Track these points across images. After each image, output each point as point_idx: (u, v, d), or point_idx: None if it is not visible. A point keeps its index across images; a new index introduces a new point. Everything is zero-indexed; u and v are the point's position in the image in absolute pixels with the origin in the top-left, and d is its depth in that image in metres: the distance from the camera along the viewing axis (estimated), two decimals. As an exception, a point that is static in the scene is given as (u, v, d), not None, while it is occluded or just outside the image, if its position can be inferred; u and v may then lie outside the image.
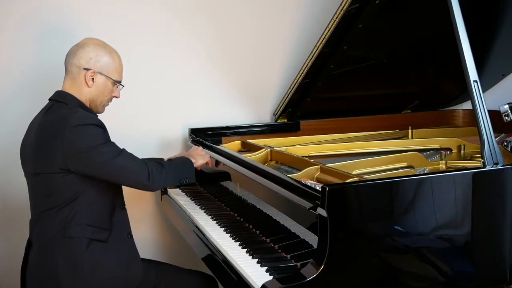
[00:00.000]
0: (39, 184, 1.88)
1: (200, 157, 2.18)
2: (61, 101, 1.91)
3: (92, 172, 1.83)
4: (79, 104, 1.92)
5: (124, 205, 2.00)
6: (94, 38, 1.99)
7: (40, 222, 1.87)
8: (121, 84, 2.03)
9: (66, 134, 1.79)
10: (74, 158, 1.80)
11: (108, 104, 2.04)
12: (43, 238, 1.85)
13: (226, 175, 2.25)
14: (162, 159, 2.21)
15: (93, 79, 1.93)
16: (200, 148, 2.27)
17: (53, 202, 1.84)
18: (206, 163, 2.21)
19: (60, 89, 1.95)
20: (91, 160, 1.81)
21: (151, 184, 1.89)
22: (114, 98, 2.04)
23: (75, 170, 1.81)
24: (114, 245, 1.89)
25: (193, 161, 2.11)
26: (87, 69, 1.91)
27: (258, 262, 1.68)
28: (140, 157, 1.93)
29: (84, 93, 1.94)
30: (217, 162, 2.30)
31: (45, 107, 1.94)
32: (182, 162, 2.08)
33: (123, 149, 1.89)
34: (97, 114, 1.97)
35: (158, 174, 1.91)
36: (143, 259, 1.99)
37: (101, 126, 1.86)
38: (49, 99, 1.94)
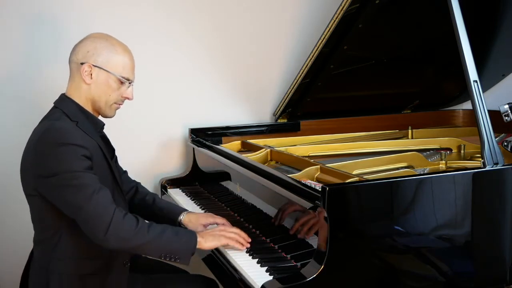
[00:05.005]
0: (31, 207, 1.71)
1: (213, 239, 1.70)
2: (58, 107, 1.72)
3: (53, 201, 1.60)
4: (79, 109, 1.72)
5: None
6: (99, 32, 1.78)
7: (38, 246, 1.73)
8: (129, 82, 1.77)
9: (40, 152, 1.59)
10: (38, 178, 1.59)
11: (119, 107, 1.80)
12: (40, 262, 1.71)
13: (226, 175, 2.24)
14: (174, 229, 1.69)
15: (91, 74, 1.70)
16: (223, 228, 1.79)
17: (42, 230, 1.69)
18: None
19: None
20: (51, 187, 1.58)
21: (105, 241, 1.55)
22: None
23: (42, 194, 1.60)
24: (105, 281, 1.71)
25: (200, 240, 1.67)
26: (83, 63, 1.70)
27: (258, 262, 1.68)
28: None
29: (83, 92, 1.73)
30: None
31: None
32: (178, 235, 1.65)
33: (95, 188, 1.57)
34: (103, 123, 1.80)
35: (125, 231, 1.56)
36: (139, 261, 1.93)
37: (82, 146, 1.60)
38: (54, 103, 1.77)
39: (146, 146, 2.70)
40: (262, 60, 2.85)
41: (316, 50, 2.35)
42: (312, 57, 2.38)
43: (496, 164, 1.74)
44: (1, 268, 2.50)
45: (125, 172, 2.10)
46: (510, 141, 2.22)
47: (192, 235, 1.68)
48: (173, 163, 2.76)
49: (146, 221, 1.65)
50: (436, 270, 1.64)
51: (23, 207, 1.81)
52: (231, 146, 2.61)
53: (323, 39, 2.29)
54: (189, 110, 2.76)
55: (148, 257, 2.10)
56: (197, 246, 1.67)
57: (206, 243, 1.69)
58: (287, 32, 2.86)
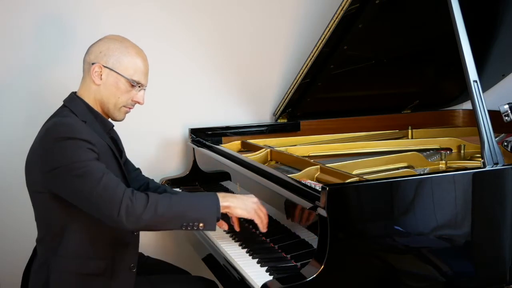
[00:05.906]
0: (35, 205, 1.70)
1: (245, 208, 1.65)
2: (66, 106, 1.71)
3: (62, 194, 1.58)
4: (88, 109, 1.71)
5: None
6: (115, 34, 1.78)
7: (41, 245, 1.72)
8: (139, 86, 1.74)
9: (46, 146, 1.58)
10: (48, 174, 1.58)
11: (128, 111, 1.78)
12: (42, 260, 1.70)
13: (226, 175, 2.24)
14: (192, 194, 1.74)
15: (101, 75, 1.69)
16: (256, 201, 1.70)
17: (47, 228, 1.68)
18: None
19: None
20: (60, 179, 1.56)
21: (120, 221, 1.51)
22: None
23: (51, 189, 1.59)
24: (109, 283, 1.69)
25: (228, 204, 1.61)
26: (94, 64, 1.69)
27: (258, 262, 1.68)
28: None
29: (92, 93, 1.72)
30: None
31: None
32: (199, 199, 1.62)
33: (104, 172, 1.56)
34: (112, 123, 1.78)
35: (137, 208, 1.52)
36: (139, 262, 1.92)
37: (89, 142, 1.59)
38: (63, 101, 1.76)
39: (146, 146, 2.70)
40: (262, 60, 2.85)
41: (316, 50, 2.35)
42: (312, 57, 2.38)
43: (496, 164, 1.74)
44: (1, 268, 2.50)
45: (138, 169, 2.09)
46: (510, 141, 2.22)
47: (214, 196, 1.61)
48: (173, 163, 2.76)
49: (158, 195, 1.60)
50: (436, 270, 1.64)
51: (24, 207, 1.81)
52: (231, 146, 2.61)
53: (323, 39, 2.29)
54: (189, 110, 2.76)
55: (154, 257, 2.11)
56: (226, 210, 1.62)
57: (235, 210, 1.63)
58: (287, 32, 2.86)
